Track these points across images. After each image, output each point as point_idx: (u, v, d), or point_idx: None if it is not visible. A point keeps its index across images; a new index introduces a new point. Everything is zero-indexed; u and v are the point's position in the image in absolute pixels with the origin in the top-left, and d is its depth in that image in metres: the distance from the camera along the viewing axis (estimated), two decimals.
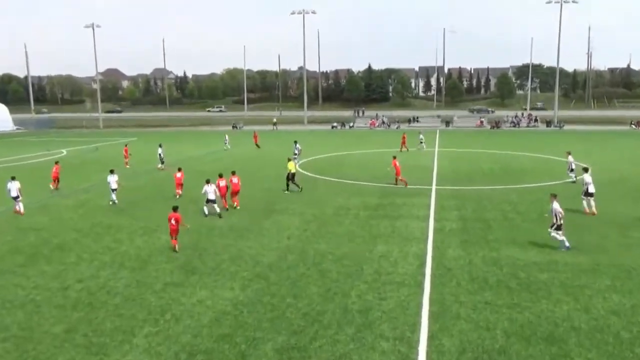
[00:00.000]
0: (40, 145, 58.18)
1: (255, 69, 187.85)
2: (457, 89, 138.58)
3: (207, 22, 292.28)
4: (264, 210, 22.73)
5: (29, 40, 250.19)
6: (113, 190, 24.90)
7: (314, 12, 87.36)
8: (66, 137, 70.91)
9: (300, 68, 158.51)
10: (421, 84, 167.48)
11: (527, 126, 79.41)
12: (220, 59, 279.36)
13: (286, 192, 26.63)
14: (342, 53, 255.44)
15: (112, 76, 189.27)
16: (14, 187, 22.91)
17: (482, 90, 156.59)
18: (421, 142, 47.00)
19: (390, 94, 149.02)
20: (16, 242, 18.52)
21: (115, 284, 14.18)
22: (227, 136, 52.45)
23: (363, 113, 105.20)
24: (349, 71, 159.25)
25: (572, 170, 28.63)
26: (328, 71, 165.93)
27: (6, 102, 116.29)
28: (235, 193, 23.14)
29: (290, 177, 26.95)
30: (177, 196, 25.57)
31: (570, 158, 28.99)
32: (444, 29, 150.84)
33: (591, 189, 21.44)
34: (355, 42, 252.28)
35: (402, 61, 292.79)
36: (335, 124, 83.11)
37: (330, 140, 58.94)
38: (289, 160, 28.08)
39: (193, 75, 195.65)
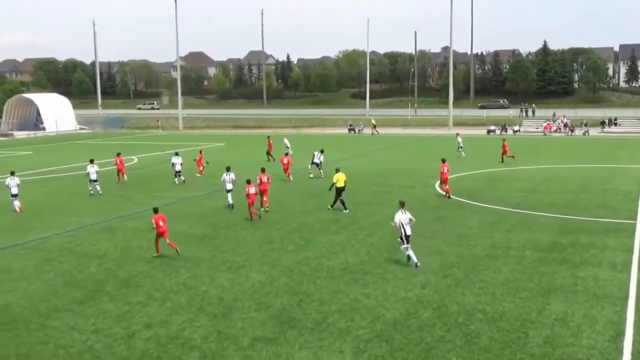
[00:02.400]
0: (107, 149, 63.16)
1: (382, 50, 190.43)
2: None
3: None
4: (388, 246, 22.82)
5: (97, 17, 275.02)
6: (93, 181, 34.23)
7: None
8: (138, 140, 76.45)
9: (445, 49, 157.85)
10: (623, 71, 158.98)
11: None
12: (336, 38, 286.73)
13: (347, 211, 28.72)
14: (505, 28, 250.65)
15: (196, 62, 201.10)
16: (13, 184, 30.43)
17: None
18: (460, 148, 51.63)
19: (576, 85, 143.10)
20: (74, 272, 20.25)
21: (191, 335, 14.97)
22: (286, 141, 52.73)
23: (534, 112, 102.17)
24: (514, 53, 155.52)
25: None
26: (484, 53, 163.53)
27: (69, 95, 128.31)
28: (263, 192, 28.98)
29: (338, 192, 29.21)
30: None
31: None
32: None
33: None
34: (524, 12, 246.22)
35: (594, 38, 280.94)
36: (492, 128, 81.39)
37: (485, 150, 57.73)
38: (337, 170, 29.54)
39: (299, 60, 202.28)
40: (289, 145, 52.00)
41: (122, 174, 39.37)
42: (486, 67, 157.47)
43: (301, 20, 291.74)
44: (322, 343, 14.38)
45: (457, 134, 56.18)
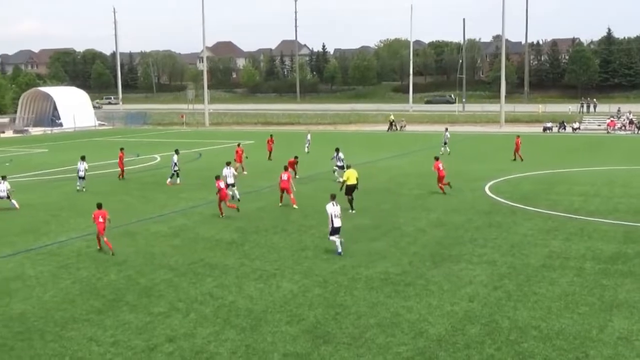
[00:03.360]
0: (127, 147, 63.94)
1: (426, 40, 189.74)
2: None
3: None
4: (432, 254, 22.73)
5: (118, 4, 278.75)
6: (81, 178, 36.98)
7: None
8: (161, 137, 77.30)
9: (497, 38, 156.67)
10: None
11: None
12: (376, 26, 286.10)
13: (353, 212, 29.44)
14: (564, 14, 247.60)
15: (224, 52, 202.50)
16: (3, 188, 32.00)
17: None
18: (445, 144, 53.83)
19: None
20: (93, 280, 20.56)
21: (217, 349, 15.09)
22: (309, 136, 56.48)
23: (595, 108, 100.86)
24: (574, 42, 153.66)
25: None
26: (540, 42, 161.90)
27: (88, 88, 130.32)
28: (285, 190, 31.29)
29: (348, 191, 29.84)
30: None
31: None
32: None
33: None
34: None
35: None
36: (549, 125, 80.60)
37: (540, 149, 57.16)
38: (348, 167, 31.01)
39: (336, 50, 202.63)
40: (310, 142, 54.93)
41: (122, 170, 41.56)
42: (542, 58, 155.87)
43: (338, 7, 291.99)
44: None
45: (446, 129, 57.85)
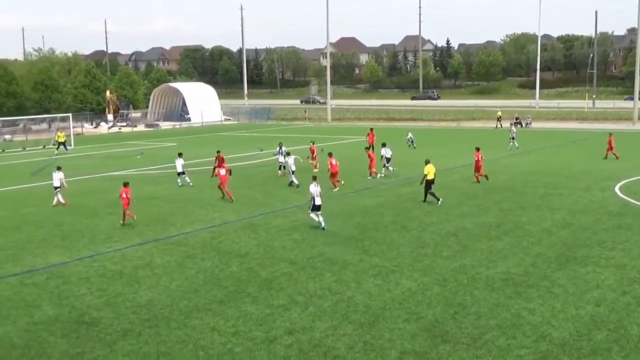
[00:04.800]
0: (250, 142, 65.53)
1: (555, 34, 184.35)
2: None
3: None
4: (557, 255, 22.08)
5: (245, 2, 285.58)
6: (180, 174, 38.11)
7: None
8: (285, 132, 78.67)
9: (632, 31, 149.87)
10: None
11: None
12: (502, 20, 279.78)
13: (424, 203, 30.87)
14: None
15: (347, 48, 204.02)
16: (56, 178, 32.60)
17: None
18: (512, 139, 55.08)
19: None
20: (216, 270, 21.22)
21: (334, 343, 15.23)
22: (410, 134, 58.70)
23: None
24: None
25: None
26: None
27: (215, 84, 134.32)
28: (334, 174, 34.87)
29: (428, 185, 30.85)
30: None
31: None
32: None
33: None
34: None
35: None
36: None
37: None
38: (427, 162, 30.84)
39: (460, 45, 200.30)
40: (412, 139, 57.17)
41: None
42: None
43: (463, 1, 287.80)
44: None
45: (511, 124, 60.13)
